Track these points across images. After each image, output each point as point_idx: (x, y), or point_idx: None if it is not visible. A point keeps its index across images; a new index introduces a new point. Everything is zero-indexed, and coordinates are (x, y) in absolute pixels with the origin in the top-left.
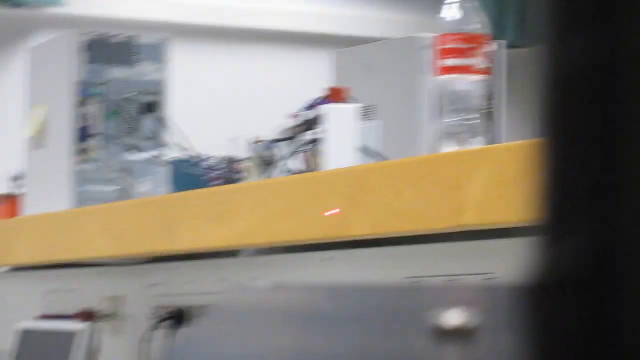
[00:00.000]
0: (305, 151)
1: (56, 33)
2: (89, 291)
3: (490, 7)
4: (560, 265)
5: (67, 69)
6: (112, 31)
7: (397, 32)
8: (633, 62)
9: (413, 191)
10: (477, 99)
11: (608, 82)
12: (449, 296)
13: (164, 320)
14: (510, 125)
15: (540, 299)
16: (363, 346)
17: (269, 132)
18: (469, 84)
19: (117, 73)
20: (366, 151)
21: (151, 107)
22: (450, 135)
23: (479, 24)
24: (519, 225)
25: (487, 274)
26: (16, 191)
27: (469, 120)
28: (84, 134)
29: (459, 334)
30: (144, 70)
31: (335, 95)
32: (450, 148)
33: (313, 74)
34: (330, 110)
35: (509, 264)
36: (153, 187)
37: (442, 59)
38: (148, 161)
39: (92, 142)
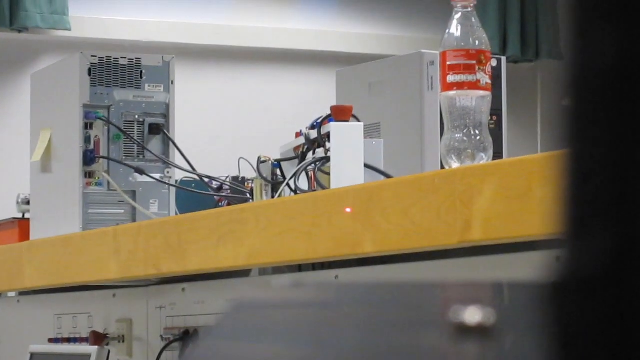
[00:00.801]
0: (311, 170)
1: (61, 57)
2: (98, 314)
3: (492, 23)
4: (583, 264)
5: (72, 92)
6: (116, 54)
7: (400, 50)
8: None
9: (420, 208)
10: (482, 114)
11: (632, 85)
12: (469, 293)
13: (174, 341)
14: (511, 140)
15: (563, 298)
16: (383, 343)
17: (275, 151)
18: (473, 99)
19: (122, 95)
20: (371, 169)
21: (157, 129)
22: (456, 151)
23: (482, 40)
24: (527, 240)
25: None
26: (25, 215)
27: (474, 135)
28: (90, 157)
29: (479, 331)
30: (149, 92)
31: (339, 113)
32: (456, 164)
33: (318, 92)
34: (335, 129)
35: (517, 279)
36: (160, 209)
37: (447, 74)
38: (155, 183)
39: (98, 165)
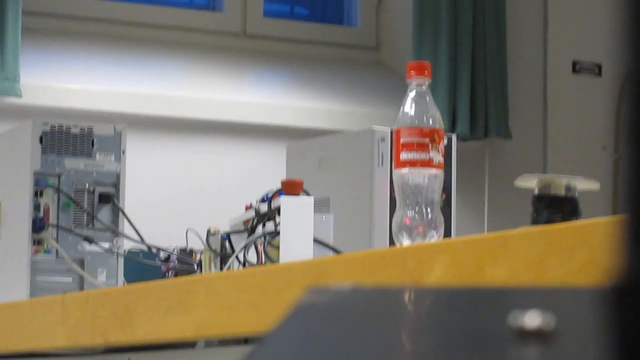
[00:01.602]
0: (260, 243)
1: (11, 123)
2: None
3: (442, 100)
4: None
5: (23, 159)
6: (68, 122)
7: (351, 125)
8: None
9: (371, 284)
10: (434, 192)
11: None
12: (529, 298)
13: None
14: (459, 218)
15: (623, 303)
16: (443, 347)
17: (224, 223)
18: (426, 177)
19: (73, 164)
20: (321, 244)
21: (107, 198)
22: (408, 228)
23: (435, 118)
24: None
25: None
26: None
27: (426, 213)
28: (39, 224)
29: (539, 335)
30: (100, 161)
31: (290, 188)
32: (407, 241)
33: (268, 165)
34: (286, 203)
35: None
36: (108, 278)
37: (400, 152)
38: (104, 252)
39: (47, 233)
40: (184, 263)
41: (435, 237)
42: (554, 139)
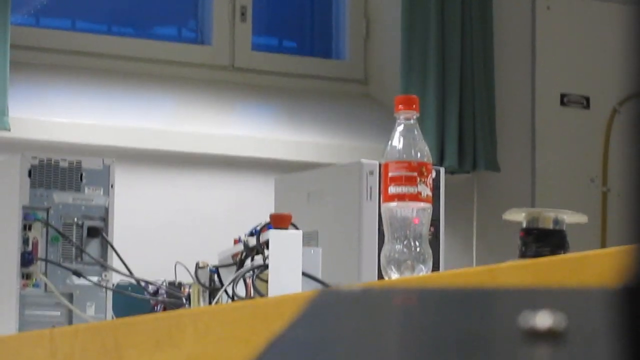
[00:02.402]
0: (249, 277)
1: (0, 157)
2: None
3: (430, 133)
4: None
5: (12, 192)
6: (56, 156)
7: (339, 158)
8: None
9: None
10: (422, 226)
11: None
12: (539, 298)
13: None
14: (447, 251)
15: (634, 303)
16: (454, 348)
17: (213, 257)
18: (414, 211)
19: (62, 197)
20: (309, 277)
21: (95, 232)
22: (396, 262)
23: (423, 152)
24: None
25: None
26: None
27: (414, 247)
28: (28, 258)
29: (549, 336)
30: (89, 195)
31: (279, 221)
32: (395, 275)
33: (256, 198)
34: (274, 236)
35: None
36: (97, 312)
37: (388, 186)
38: (92, 286)
39: (36, 266)
40: (173, 297)
41: (423, 271)
42: (542, 171)
